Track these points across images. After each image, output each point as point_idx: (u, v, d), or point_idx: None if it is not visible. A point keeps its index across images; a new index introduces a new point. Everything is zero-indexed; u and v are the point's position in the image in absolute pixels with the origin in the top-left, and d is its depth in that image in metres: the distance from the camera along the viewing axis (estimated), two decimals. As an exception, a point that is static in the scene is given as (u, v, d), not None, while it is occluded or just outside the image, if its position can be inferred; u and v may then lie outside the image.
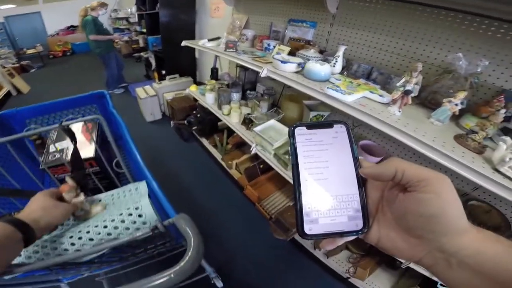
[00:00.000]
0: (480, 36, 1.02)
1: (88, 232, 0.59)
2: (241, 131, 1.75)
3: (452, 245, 0.22)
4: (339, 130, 0.31)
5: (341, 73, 1.30)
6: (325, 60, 1.29)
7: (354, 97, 1.01)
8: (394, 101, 0.95)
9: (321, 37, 1.58)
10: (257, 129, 1.52)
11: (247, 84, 2.05)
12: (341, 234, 0.28)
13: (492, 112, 0.91)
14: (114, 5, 7.43)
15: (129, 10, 6.37)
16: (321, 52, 1.47)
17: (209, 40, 1.92)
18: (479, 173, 0.74)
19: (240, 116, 1.79)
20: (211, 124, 2.22)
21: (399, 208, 0.25)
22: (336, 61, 1.22)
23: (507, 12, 0.90)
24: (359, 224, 0.28)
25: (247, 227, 1.71)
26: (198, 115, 2.27)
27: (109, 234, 0.59)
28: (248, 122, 1.72)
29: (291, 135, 0.31)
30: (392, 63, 1.29)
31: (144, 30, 4.28)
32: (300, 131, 0.31)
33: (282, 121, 1.65)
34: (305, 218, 0.28)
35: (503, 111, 0.90)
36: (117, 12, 7.46)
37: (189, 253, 0.49)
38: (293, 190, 0.29)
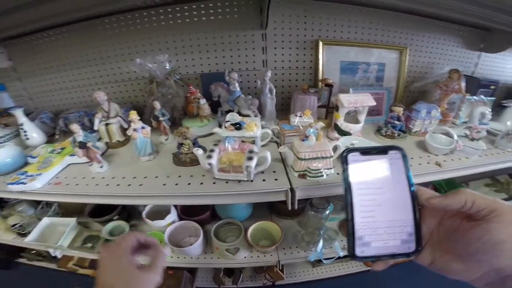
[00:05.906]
0: (155, 31, 0.92)
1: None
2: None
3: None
4: (394, 157, 0.32)
5: (52, 137, 0.97)
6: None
7: (48, 177, 0.70)
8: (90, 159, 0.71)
9: (22, 98, 1.16)
10: (29, 240, 1.01)
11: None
12: (393, 256, 0.30)
13: (197, 108, 0.84)
14: None
15: None
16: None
17: None
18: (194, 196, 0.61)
19: (9, 230, 1.20)
20: (6, 250, 1.53)
21: (463, 235, 0.26)
22: (25, 131, 0.87)
23: None
24: (411, 247, 0.30)
25: None
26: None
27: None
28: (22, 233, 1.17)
29: (344, 161, 0.32)
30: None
31: None
32: (353, 158, 0.32)
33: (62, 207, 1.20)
34: (357, 242, 0.30)
35: (203, 101, 0.82)
36: None
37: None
38: (346, 214, 0.30)
